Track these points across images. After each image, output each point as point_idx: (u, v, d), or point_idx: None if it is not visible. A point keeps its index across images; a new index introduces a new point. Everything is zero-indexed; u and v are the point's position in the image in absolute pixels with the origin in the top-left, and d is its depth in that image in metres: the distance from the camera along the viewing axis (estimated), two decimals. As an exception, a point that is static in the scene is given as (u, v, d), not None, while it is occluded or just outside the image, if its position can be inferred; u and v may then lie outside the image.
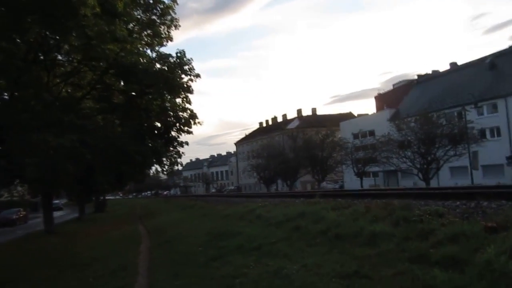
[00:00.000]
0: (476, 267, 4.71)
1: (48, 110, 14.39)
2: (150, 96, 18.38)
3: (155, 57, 18.44)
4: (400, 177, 54.76)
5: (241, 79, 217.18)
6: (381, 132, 44.01)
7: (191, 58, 18.58)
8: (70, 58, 18.68)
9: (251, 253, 8.86)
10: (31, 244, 23.48)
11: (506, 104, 40.04)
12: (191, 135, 20.26)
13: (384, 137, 34.34)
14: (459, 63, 57.61)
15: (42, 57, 18.25)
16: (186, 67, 18.43)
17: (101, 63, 17.32)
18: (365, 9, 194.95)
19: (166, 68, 18.27)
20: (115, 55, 16.03)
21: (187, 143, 20.78)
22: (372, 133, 50.90)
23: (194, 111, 19.73)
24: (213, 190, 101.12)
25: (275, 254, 8.17)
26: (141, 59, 17.52)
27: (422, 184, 41.52)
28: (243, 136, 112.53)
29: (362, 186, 40.75)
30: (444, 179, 39.18)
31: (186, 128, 19.78)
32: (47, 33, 14.80)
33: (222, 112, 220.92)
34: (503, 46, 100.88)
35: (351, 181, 58.91)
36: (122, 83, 18.97)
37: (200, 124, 19.82)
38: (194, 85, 20.62)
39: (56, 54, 18.37)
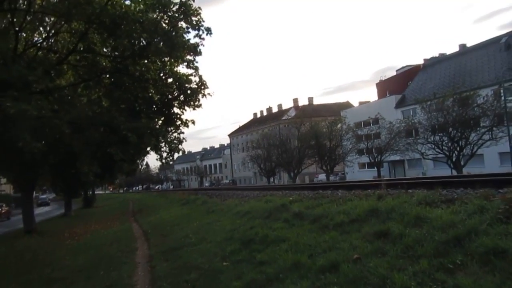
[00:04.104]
0: None
1: (5, 67, 10.56)
2: (145, 61, 14.50)
3: (150, 3, 14.22)
4: (407, 167, 52.02)
5: (231, 72, 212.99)
6: (387, 119, 40.95)
7: (199, 8, 13.97)
8: (46, 20, 14.89)
9: (328, 280, 5.40)
10: (5, 247, 20.32)
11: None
12: (198, 111, 16.46)
13: (406, 122, 30.87)
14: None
15: (10, 19, 14.44)
16: (193, 18, 14.27)
17: (81, 23, 13.50)
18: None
19: (166, 20, 14.38)
20: (100, 8, 12.28)
21: (193, 122, 16.83)
22: (376, 121, 47.76)
23: (203, 78, 15.85)
24: (207, 184, 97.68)
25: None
26: (132, 7, 13.62)
27: (434, 173, 38.52)
28: (234, 128, 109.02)
29: (380, 177, 37.43)
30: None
31: (192, 101, 15.84)
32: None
33: (212, 105, 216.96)
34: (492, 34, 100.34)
35: (352, 173, 55.93)
36: (107, 49, 15.06)
37: (211, 96, 15.99)
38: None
39: (27, 16, 14.56)
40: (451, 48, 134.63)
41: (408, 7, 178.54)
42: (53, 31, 14.94)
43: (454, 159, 25.34)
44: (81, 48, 14.36)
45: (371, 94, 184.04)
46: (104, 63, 15.09)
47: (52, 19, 15.16)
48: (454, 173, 28.47)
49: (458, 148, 25.18)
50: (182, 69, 15.65)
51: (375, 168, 43.61)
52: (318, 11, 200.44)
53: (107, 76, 15.14)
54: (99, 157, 15.51)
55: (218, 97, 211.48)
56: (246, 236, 9.30)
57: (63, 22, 13.95)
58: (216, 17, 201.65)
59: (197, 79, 15.30)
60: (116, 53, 14.60)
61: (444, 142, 25.94)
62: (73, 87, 15.35)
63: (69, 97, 14.61)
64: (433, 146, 26.65)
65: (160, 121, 16.36)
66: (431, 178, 11.53)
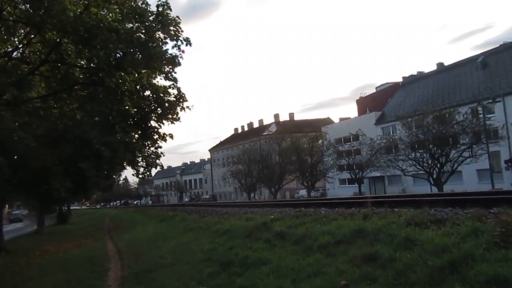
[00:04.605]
0: None
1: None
2: (122, 73, 13.85)
3: (126, 12, 13.17)
4: (387, 183, 52.11)
5: (212, 87, 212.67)
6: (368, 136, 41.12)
7: (177, 17, 13.67)
8: (18, 30, 14.21)
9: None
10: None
11: (504, 104, 37.46)
12: (177, 124, 15.68)
13: (387, 138, 30.91)
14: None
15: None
16: (171, 28, 13.54)
17: (54, 33, 12.86)
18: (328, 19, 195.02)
19: (142, 30, 13.37)
20: (75, 17, 11.72)
21: (171, 136, 16.19)
22: (357, 137, 47.90)
23: (182, 91, 15.24)
24: (186, 199, 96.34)
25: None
26: (108, 17, 13.03)
27: (414, 190, 38.62)
28: (215, 144, 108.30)
29: (360, 193, 37.33)
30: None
31: (171, 115, 15.19)
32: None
33: (192, 120, 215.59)
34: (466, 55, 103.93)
35: (333, 189, 55.72)
36: (82, 61, 14.38)
37: (190, 109, 15.40)
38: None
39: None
40: (429, 66, 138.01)
41: (386, 26, 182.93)
42: (25, 41, 14.26)
43: (435, 176, 25.34)
44: (54, 59, 13.68)
45: (351, 111, 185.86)
46: (77, 75, 14.40)
47: (27, 29, 14.55)
48: (434, 190, 28.61)
49: (438, 165, 25.22)
50: (160, 80, 15.11)
51: (356, 184, 43.59)
52: (297, 29, 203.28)
53: (81, 88, 14.46)
54: (72, 172, 14.77)
55: (198, 112, 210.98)
56: (225, 257, 8.82)
57: (36, 32, 13.31)
58: (197, 32, 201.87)
59: (175, 91, 14.80)
60: (92, 65, 13.96)
61: (424, 159, 25.98)
62: (44, 99, 14.61)
63: (40, 110, 13.87)
64: (414, 162, 26.67)
65: (137, 136, 15.72)
66: (417, 196, 11.27)
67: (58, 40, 13.32)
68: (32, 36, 13.97)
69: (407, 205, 9.06)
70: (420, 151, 26.22)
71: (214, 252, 9.81)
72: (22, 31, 15.10)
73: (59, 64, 13.95)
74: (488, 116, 27.14)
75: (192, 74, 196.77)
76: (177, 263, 10.12)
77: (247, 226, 11.53)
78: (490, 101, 25.25)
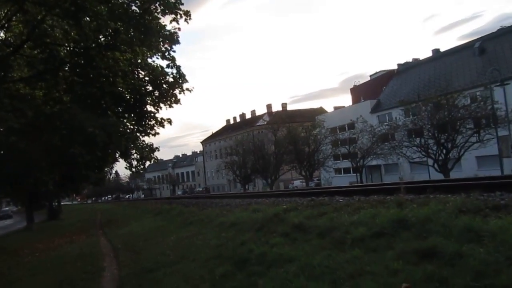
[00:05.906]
0: None
1: None
2: (116, 52, 12.47)
3: None
4: (384, 172, 51.40)
5: (198, 80, 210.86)
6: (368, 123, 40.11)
7: None
8: None
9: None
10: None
11: (504, 90, 36.67)
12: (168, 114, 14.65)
13: (390, 125, 29.91)
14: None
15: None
16: (170, 0, 12.43)
17: (36, 8, 11.50)
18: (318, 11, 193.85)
19: (137, 1, 12.04)
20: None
21: (169, 121, 14.86)
22: (352, 126, 46.97)
23: (182, 70, 13.80)
24: (179, 193, 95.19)
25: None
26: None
27: (412, 178, 37.84)
28: (205, 136, 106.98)
29: (361, 181, 36.39)
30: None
31: (169, 97, 13.77)
32: None
33: (182, 113, 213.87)
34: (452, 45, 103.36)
35: (331, 179, 54.88)
36: (69, 42, 12.98)
37: (190, 91, 14.06)
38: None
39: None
40: (422, 54, 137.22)
41: (372, 18, 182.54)
42: (4, 22, 12.83)
43: (440, 162, 24.45)
44: (37, 36, 12.22)
45: (340, 102, 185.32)
46: (63, 55, 12.96)
47: (7, 10, 13.17)
48: (433, 176, 27.68)
49: (444, 151, 24.32)
50: (156, 60, 13.82)
51: (352, 173, 42.69)
52: (286, 21, 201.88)
53: (68, 68, 13.07)
54: (60, 163, 13.47)
55: (188, 105, 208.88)
56: (238, 254, 7.71)
57: (17, 9, 11.89)
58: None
59: (174, 71, 13.47)
60: (78, 49, 12.49)
61: (430, 145, 25.08)
62: (28, 81, 13.21)
63: (23, 93, 12.54)
64: (420, 149, 25.74)
65: (132, 122, 14.37)
66: (452, 180, 10.24)
67: (41, 17, 11.93)
68: (12, 14, 12.53)
69: (440, 191, 8.01)
70: (425, 137, 25.28)
71: (223, 248, 8.70)
72: (2, 12, 13.70)
73: (43, 43, 12.54)
74: (496, 100, 26.20)
75: (181, 66, 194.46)
76: (181, 261, 9.00)
77: (256, 218, 10.40)
78: (498, 84, 24.31)
